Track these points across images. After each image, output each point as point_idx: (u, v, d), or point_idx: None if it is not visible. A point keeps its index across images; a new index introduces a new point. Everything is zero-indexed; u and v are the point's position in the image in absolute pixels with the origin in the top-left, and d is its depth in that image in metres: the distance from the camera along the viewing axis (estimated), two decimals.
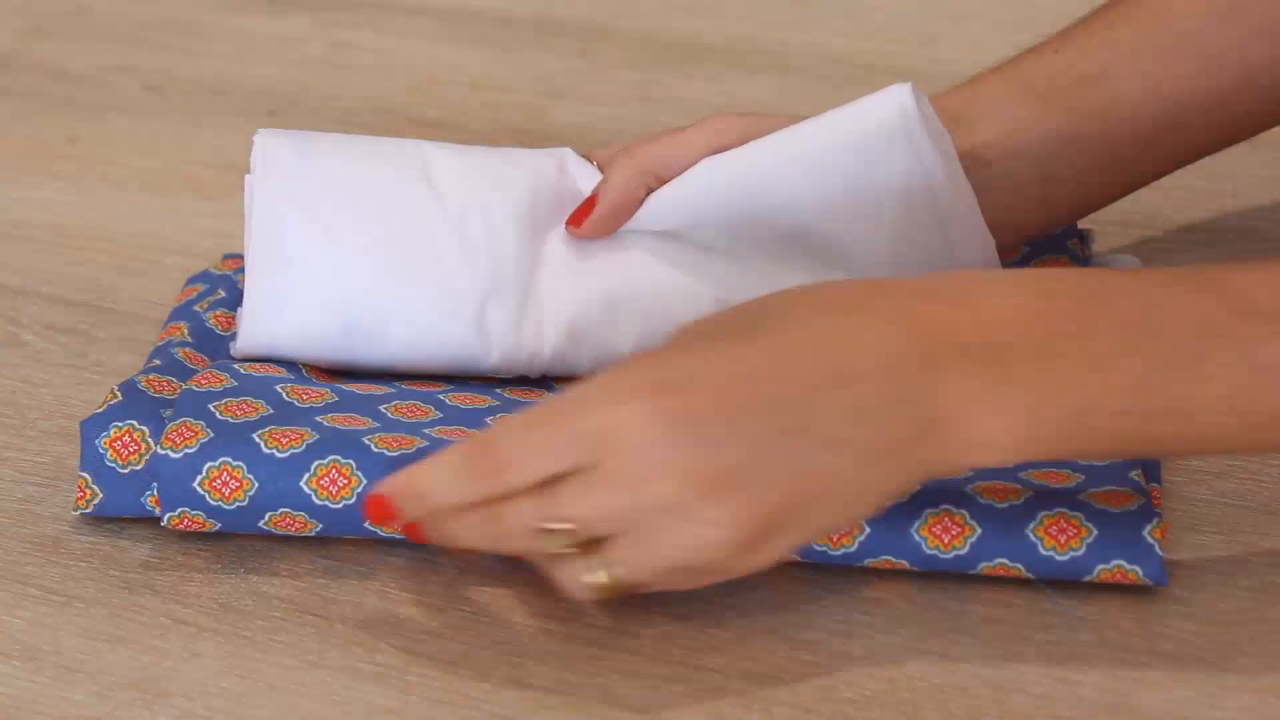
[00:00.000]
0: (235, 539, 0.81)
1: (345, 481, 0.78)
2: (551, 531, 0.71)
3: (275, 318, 0.86)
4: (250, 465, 0.79)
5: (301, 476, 0.78)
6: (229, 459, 0.79)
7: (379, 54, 1.27)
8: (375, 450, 0.79)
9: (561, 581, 0.72)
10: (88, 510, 0.81)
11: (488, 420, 0.83)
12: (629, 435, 0.69)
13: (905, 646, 0.74)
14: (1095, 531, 0.76)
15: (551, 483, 0.70)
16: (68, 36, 1.30)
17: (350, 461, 0.78)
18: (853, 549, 0.77)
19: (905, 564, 0.77)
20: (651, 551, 0.70)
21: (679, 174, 0.88)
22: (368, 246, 0.87)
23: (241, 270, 0.94)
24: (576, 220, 0.87)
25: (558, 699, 0.72)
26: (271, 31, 1.30)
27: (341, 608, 0.77)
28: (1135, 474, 0.78)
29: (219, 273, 0.95)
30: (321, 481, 0.78)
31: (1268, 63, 0.88)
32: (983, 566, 0.76)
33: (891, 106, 0.85)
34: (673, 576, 0.72)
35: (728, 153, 0.87)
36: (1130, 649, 0.74)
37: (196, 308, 0.92)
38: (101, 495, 0.81)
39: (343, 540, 0.80)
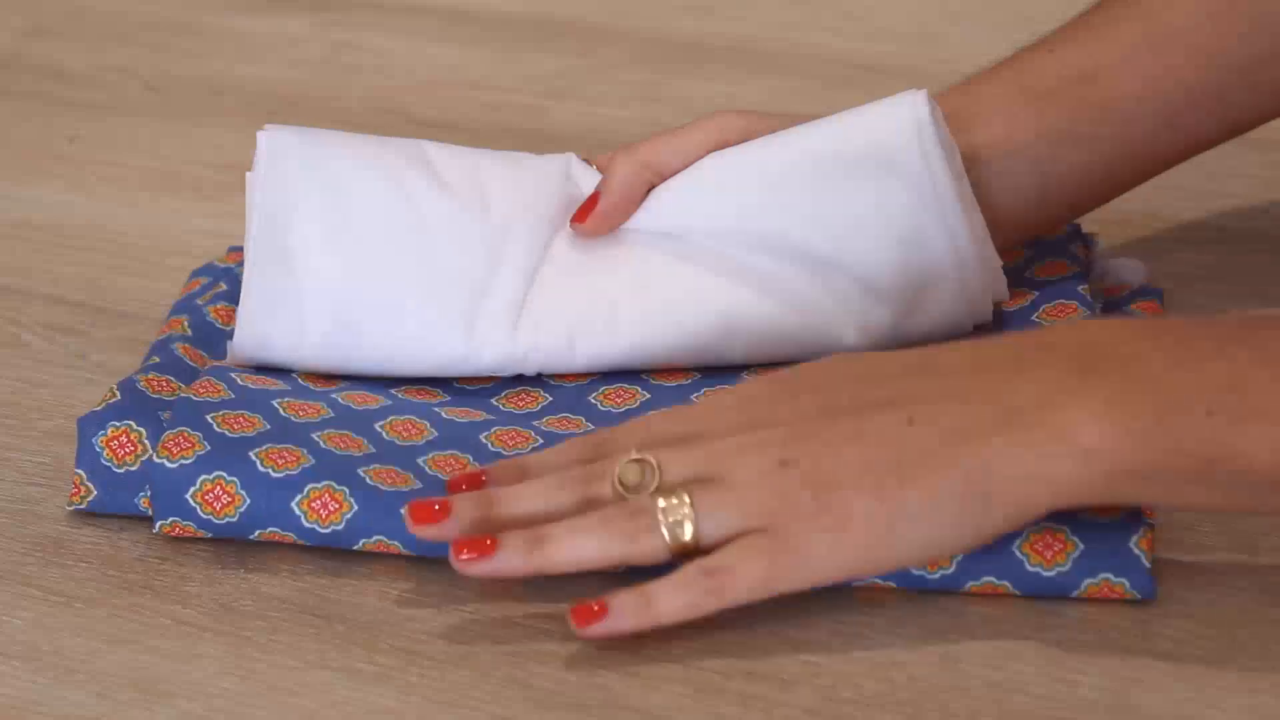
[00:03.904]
0: (235, 539, 0.81)
1: (336, 506, 0.78)
2: (639, 463, 0.73)
3: (270, 315, 0.86)
4: (244, 482, 0.79)
5: (293, 498, 0.79)
6: (224, 474, 0.79)
7: (379, 54, 1.27)
8: (370, 483, 0.79)
9: (639, 551, 0.73)
10: (81, 506, 0.81)
11: (483, 438, 0.83)
12: (717, 402, 0.76)
13: (905, 646, 0.74)
14: (1081, 545, 0.76)
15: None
16: (68, 36, 1.30)
17: (344, 489, 0.79)
18: None
19: (893, 585, 0.77)
20: (726, 490, 0.72)
21: (679, 170, 0.88)
22: (365, 247, 0.87)
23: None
24: (580, 217, 0.88)
25: (558, 699, 0.72)
26: (271, 31, 1.30)
27: (341, 608, 0.77)
28: None
29: (223, 265, 0.95)
30: (313, 504, 0.79)
31: (1263, 57, 0.88)
32: (970, 585, 0.76)
33: (906, 116, 0.85)
34: (752, 543, 0.72)
35: (735, 149, 0.87)
36: (1130, 649, 0.74)
37: (199, 301, 0.92)
38: (96, 493, 0.81)
39: None
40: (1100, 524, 0.76)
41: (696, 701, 0.72)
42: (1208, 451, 0.69)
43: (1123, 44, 0.88)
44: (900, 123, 0.85)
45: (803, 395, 0.74)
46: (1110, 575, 0.75)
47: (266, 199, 0.87)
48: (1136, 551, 0.75)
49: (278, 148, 0.88)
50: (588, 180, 0.90)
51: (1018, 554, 0.76)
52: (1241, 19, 0.88)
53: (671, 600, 0.72)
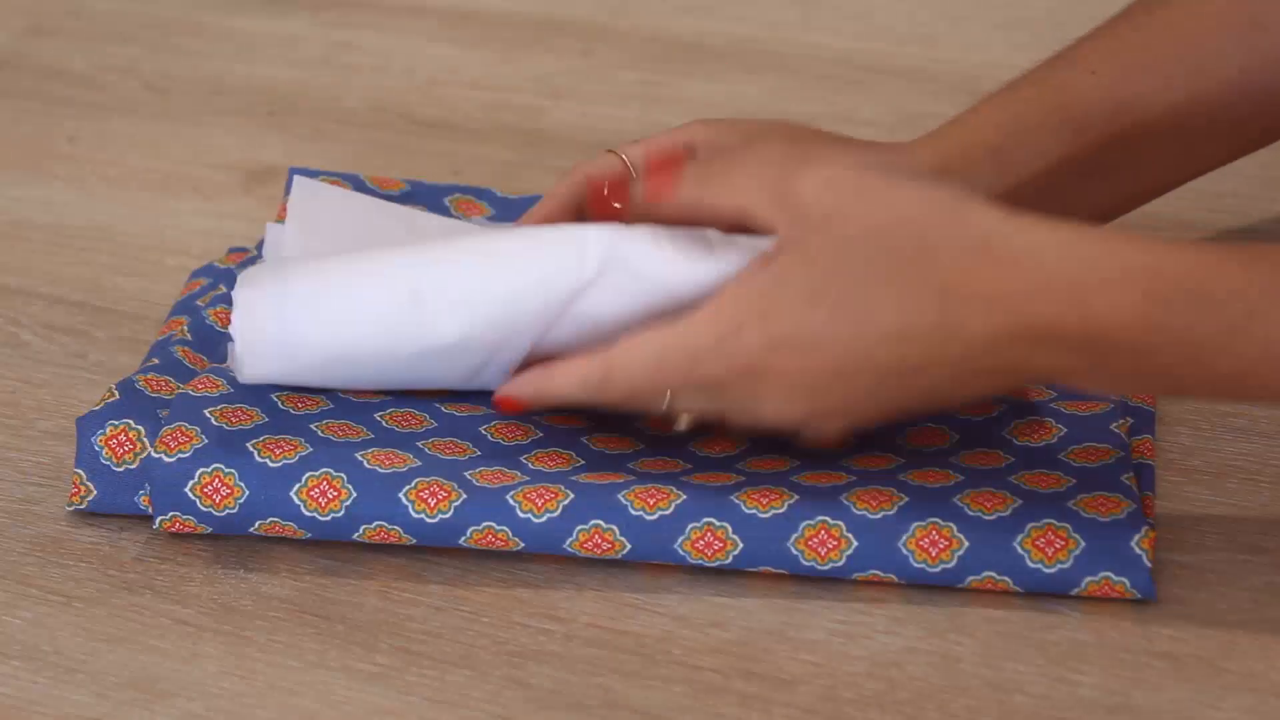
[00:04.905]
0: (235, 539, 0.81)
1: (335, 494, 0.79)
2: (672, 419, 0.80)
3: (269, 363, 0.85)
4: (242, 473, 0.79)
5: (292, 487, 0.79)
6: (221, 466, 0.79)
7: (379, 54, 1.27)
8: (368, 466, 0.79)
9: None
10: (81, 506, 0.81)
11: (482, 429, 0.83)
12: (743, 389, 0.77)
13: (905, 646, 0.74)
14: (1083, 543, 0.76)
15: None
16: (68, 36, 1.30)
17: (341, 475, 0.79)
18: (840, 563, 0.77)
19: (894, 578, 0.77)
20: (750, 416, 0.79)
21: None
22: (367, 318, 0.84)
23: (244, 264, 0.94)
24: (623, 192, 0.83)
25: (558, 699, 0.72)
26: (271, 31, 1.30)
27: (341, 608, 0.77)
28: (1127, 477, 0.78)
29: (223, 266, 0.95)
30: (311, 493, 0.79)
31: None
32: (970, 580, 0.76)
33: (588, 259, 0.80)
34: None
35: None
36: (1130, 649, 0.74)
37: (198, 302, 0.92)
38: (95, 492, 0.81)
39: (343, 541, 0.80)
40: (1102, 523, 0.76)
41: (696, 701, 0.72)
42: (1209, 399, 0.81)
43: (1159, 72, 0.88)
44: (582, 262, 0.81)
45: (825, 394, 0.77)
46: (1111, 574, 0.75)
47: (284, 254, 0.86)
48: (1138, 551, 0.75)
49: (306, 202, 0.87)
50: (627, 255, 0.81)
51: (1019, 550, 0.76)
52: (1268, 44, 0.87)
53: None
